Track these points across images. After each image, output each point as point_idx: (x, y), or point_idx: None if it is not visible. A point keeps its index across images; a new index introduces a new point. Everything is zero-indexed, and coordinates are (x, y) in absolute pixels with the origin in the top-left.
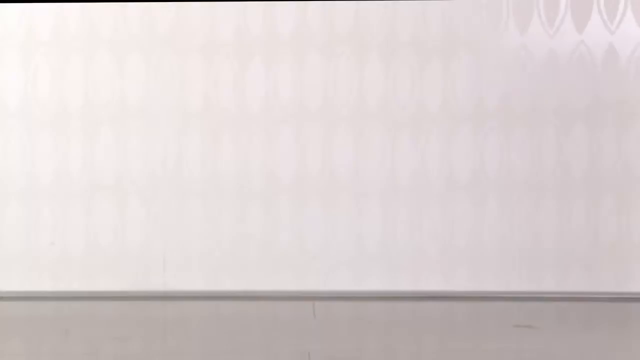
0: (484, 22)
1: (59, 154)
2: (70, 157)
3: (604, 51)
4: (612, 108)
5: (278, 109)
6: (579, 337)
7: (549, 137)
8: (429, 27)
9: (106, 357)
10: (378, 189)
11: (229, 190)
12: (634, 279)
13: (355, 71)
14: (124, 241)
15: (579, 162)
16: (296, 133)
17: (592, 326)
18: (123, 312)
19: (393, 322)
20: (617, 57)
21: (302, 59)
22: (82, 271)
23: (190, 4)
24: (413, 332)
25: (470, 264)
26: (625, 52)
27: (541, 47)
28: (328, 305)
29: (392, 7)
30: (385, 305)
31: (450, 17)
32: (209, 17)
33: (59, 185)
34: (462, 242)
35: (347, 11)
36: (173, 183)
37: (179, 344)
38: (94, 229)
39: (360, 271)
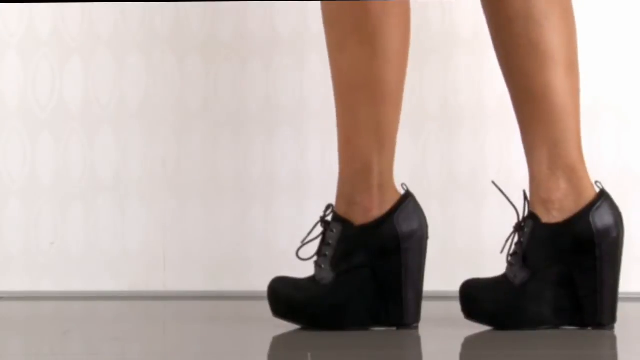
0: (484, 22)
1: (59, 154)
2: (70, 157)
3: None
4: (613, 108)
5: (278, 109)
6: (579, 337)
7: None
8: (429, 27)
9: (106, 357)
10: None
11: (229, 190)
12: (634, 279)
13: None
14: (124, 241)
15: None
16: (296, 133)
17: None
18: (123, 312)
19: None
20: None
21: (302, 59)
22: (82, 271)
23: (191, 4)
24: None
25: (470, 264)
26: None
27: None
28: None
29: None
30: None
31: (450, 17)
32: (210, 17)
33: (59, 185)
34: (462, 242)
35: None
36: (173, 183)
37: (178, 344)
38: (94, 229)
39: None
